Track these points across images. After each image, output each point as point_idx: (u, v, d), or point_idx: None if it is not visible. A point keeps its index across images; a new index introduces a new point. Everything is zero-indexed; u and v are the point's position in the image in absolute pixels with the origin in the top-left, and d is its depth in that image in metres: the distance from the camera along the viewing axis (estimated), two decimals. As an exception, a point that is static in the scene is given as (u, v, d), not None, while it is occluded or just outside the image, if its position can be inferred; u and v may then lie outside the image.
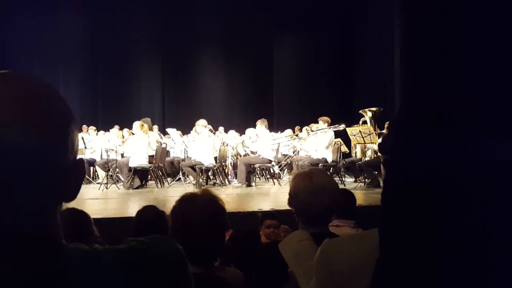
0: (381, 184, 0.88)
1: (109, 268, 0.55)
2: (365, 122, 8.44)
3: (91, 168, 8.64)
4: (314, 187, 1.59)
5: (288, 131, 9.33)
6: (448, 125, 0.62)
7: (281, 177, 8.36)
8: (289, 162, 8.49)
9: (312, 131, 7.92)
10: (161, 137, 9.38)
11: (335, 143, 7.79)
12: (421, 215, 0.63)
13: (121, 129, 9.13)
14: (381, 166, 0.76)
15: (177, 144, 8.75)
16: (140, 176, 7.46)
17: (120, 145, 8.11)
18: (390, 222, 0.68)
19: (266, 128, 7.74)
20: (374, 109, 8.47)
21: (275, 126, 10.65)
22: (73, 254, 0.55)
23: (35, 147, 0.52)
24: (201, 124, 7.59)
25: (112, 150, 8.03)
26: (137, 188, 7.23)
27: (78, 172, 0.59)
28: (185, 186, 7.56)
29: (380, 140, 7.11)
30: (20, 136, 0.51)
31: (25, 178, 0.52)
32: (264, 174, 8.47)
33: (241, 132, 9.22)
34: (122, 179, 7.48)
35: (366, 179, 7.15)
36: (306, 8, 12.11)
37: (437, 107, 0.65)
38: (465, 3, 0.63)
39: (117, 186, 7.39)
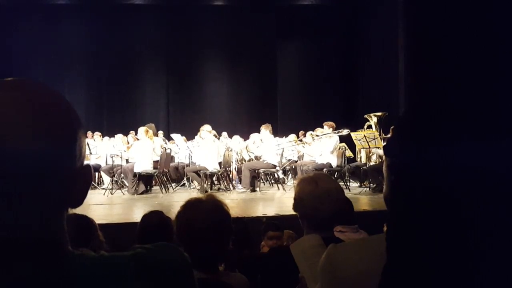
0: (384, 187, 0.87)
1: (114, 275, 0.55)
2: (370, 127, 8.42)
3: (96, 173, 8.67)
4: (320, 192, 1.59)
5: (292, 136, 9.32)
6: (452, 128, 0.62)
7: (286, 182, 8.34)
8: (293, 167, 8.47)
9: (317, 136, 7.91)
10: (166, 143, 9.39)
11: (339, 147, 7.78)
12: (429, 219, 0.62)
13: (125, 134, 9.16)
14: (383, 168, 0.75)
15: (181, 149, 8.77)
16: (145, 181, 7.47)
17: (125, 151, 8.14)
18: (397, 227, 0.68)
19: (270, 133, 7.74)
20: (379, 114, 8.45)
21: (279, 131, 10.64)
22: (79, 260, 0.55)
23: (43, 153, 0.53)
24: (206, 130, 7.60)
25: (117, 155, 8.06)
26: (141, 193, 7.24)
27: (85, 178, 0.59)
28: (190, 192, 7.56)
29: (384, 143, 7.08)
30: (29, 142, 0.52)
31: (33, 183, 0.53)
32: (269, 179, 8.46)
33: (246, 137, 9.22)
34: (127, 184, 7.50)
35: (371, 184, 7.12)
36: (310, 13, 12.14)
37: (441, 111, 0.65)
38: (470, 14, 0.64)
39: (122, 192, 7.41)
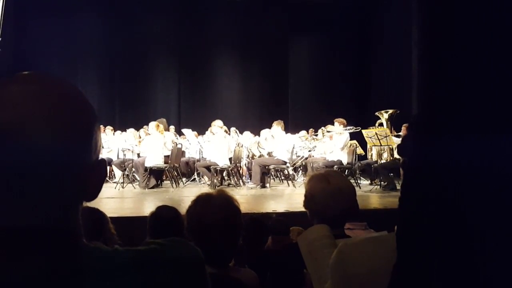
0: (399, 187, 0.87)
1: (128, 269, 0.56)
2: (381, 124, 8.36)
3: (108, 167, 8.75)
4: (332, 189, 1.58)
5: (303, 133, 9.29)
6: (467, 128, 0.61)
7: (296, 178, 8.33)
8: (303, 163, 8.45)
9: (328, 132, 7.88)
10: (177, 138, 9.45)
11: (350, 145, 7.74)
12: (439, 219, 0.62)
13: (137, 129, 9.23)
14: (401, 168, 0.75)
15: (192, 144, 8.80)
16: (156, 176, 7.52)
17: (136, 145, 8.20)
18: (407, 226, 0.67)
19: (282, 130, 7.72)
20: (390, 111, 8.38)
21: (290, 127, 10.62)
22: (93, 253, 0.56)
23: (61, 146, 0.53)
24: (217, 125, 7.62)
25: (129, 150, 8.13)
26: (152, 187, 7.30)
27: (100, 172, 0.60)
28: (200, 187, 7.60)
29: (397, 140, 7.04)
30: (47, 135, 0.52)
31: (49, 176, 0.53)
32: (279, 175, 8.45)
33: (256, 133, 9.23)
34: (138, 178, 7.56)
35: (382, 182, 7.07)
36: (322, 9, 12.05)
37: (456, 110, 0.64)
38: (485, 11, 0.62)
39: (133, 186, 7.48)
